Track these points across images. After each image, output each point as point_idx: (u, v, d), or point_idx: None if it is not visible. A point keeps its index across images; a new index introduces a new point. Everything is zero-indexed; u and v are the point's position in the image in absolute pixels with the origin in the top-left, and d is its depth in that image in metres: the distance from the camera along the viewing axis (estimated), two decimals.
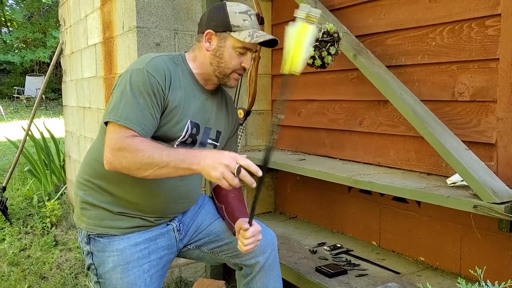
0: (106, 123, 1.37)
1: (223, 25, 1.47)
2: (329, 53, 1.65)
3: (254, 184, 1.26)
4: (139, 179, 1.39)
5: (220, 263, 2.27)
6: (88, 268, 1.51)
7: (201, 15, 2.41)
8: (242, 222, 1.47)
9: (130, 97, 1.36)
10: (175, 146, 1.48)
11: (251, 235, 1.44)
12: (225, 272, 2.48)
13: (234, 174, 1.22)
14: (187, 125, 1.48)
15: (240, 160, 1.24)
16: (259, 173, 1.24)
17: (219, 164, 1.23)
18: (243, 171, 1.23)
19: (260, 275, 1.63)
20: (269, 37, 1.48)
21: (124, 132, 1.33)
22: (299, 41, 1.20)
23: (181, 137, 1.47)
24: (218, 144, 1.62)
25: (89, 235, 1.49)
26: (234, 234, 1.56)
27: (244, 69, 1.52)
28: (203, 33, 1.50)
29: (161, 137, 1.45)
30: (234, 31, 1.45)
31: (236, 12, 1.47)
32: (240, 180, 1.24)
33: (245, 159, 1.25)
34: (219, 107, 1.63)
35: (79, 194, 1.52)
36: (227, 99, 1.71)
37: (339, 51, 1.69)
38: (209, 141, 1.58)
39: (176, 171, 1.29)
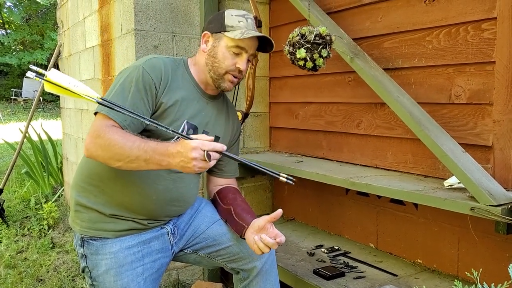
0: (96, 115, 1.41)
1: (218, 26, 1.52)
2: (320, 56, 1.62)
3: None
4: (132, 178, 1.40)
5: (217, 267, 2.26)
6: (83, 271, 1.52)
7: (199, 18, 2.43)
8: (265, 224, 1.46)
9: (120, 90, 1.39)
10: None
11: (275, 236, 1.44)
12: (223, 275, 2.48)
13: (205, 160, 1.25)
14: (182, 125, 1.49)
15: (205, 146, 1.25)
16: (224, 148, 1.29)
17: (189, 160, 1.24)
18: (212, 154, 1.25)
19: (257, 279, 1.63)
20: (258, 33, 1.50)
21: (106, 121, 1.35)
22: (63, 92, 1.25)
23: (175, 138, 1.47)
24: None
25: (82, 238, 1.49)
26: (241, 236, 1.54)
27: (240, 71, 1.53)
28: None
29: (154, 136, 1.45)
30: (228, 31, 1.49)
31: (232, 14, 1.51)
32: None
33: (209, 143, 1.26)
34: (219, 112, 1.64)
35: (73, 196, 1.53)
36: (228, 107, 1.71)
37: (331, 54, 1.66)
38: None
39: (148, 165, 1.30)
